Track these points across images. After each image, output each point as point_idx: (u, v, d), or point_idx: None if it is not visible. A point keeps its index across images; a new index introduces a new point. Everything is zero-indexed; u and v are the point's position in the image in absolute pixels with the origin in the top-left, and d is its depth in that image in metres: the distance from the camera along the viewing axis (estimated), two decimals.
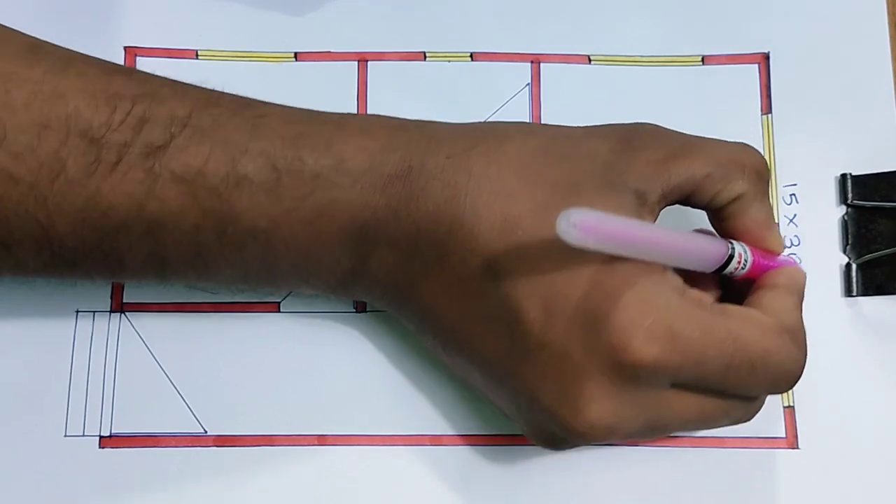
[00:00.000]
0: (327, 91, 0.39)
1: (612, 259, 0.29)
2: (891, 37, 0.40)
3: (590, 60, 0.39)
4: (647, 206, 0.30)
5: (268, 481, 0.35)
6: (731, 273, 0.31)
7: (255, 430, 0.35)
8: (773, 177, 0.39)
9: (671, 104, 0.39)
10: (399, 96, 0.39)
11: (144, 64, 0.38)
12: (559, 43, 0.39)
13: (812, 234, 0.38)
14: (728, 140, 0.32)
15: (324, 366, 0.36)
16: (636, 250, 0.28)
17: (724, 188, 0.31)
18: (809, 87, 0.39)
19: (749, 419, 0.32)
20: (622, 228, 0.27)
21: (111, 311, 0.36)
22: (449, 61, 0.39)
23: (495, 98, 0.39)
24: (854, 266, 0.38)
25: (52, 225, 0.29)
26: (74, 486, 0.35)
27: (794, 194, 0.38)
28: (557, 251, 0.27)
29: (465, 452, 0.36)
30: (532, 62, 0.39)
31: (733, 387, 0.30)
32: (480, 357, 0.31)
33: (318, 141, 0.30)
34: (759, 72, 0.39)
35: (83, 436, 0.35)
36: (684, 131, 0.37)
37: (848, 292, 0.38)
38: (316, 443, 0.35)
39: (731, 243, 0.31)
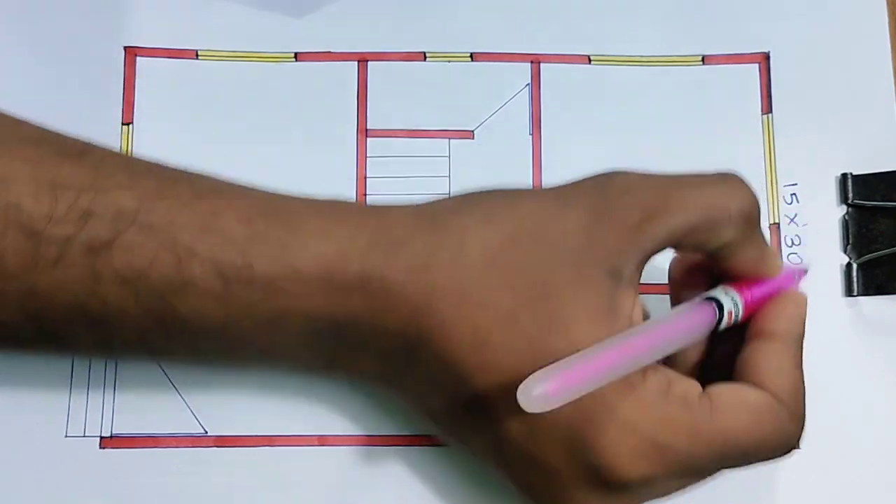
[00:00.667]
0: (327, 91, 0.38)
1: None
2: (891, 37, 0.40)
3: (590, 60, 0.39)
4: (625, 281, 0.28)
5: (268, 481, 0.35)
6: (727, 327, 0.30)
7: (255, 431, 0.35)
8: (773, 177, 0.39)
9: (671, 104, 0.39)
10: (399, 96, 0.39)
11: (144, 64, 0.38)
12: (559, 43, 0.39)
13: (812, 233, 0.38)
14: (712, 175, 0.30)
15: None
16: (614, 377, 0.27)
17: (709, 238, 0.29)
18: (809, 87, 0.39)
19: None
20: (590, 370, 0.26)
21: None
22: (449, 61, 0.39)
23: (495, 98, 0.39)
24: (854, 266, 0.38)
25: None
26: (75, 487, 0.35)
27: (794, 194, 0.38)
28: (531, 368, 0.26)
29: (464, 453, 0.36)
30: (532, 62, 0.39)
31: (726, 467, 0.29)
32: (471, 450, 0.31)
33: (272, 244, 0.28)
34: (759, 72, 0.39)
35: (84, 436, 0.35)
36: (684, 131, 0.36)
37: (848, 292, 0.38)
38: (316, 443, 0.35)
39: (716, 302, 0.30)
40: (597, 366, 0.26)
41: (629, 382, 0.28)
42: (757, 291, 0.31)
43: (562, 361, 0.26)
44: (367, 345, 0.30)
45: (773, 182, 0.38)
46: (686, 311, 0.30)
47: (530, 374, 0.25)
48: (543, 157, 0.38)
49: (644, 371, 0.28)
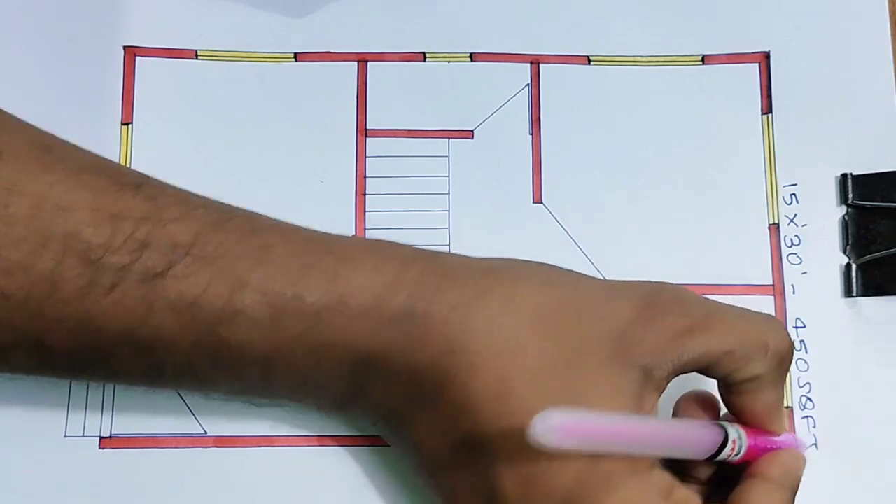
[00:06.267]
0: (327, 92, 0.38)
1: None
2: (891, 36, 0.40)
3: (589, 61, 0.39)
4: (654, 383, 0.29)
5: (268, 481, 0.35)
6: (725, 459, 0.30)
7: (255, 431, 0.35)
8: (773, 177, 0.39)
9: (671, 104, 0.39)
10: (399, 96, 0.39)
11: (144, 64, 0.38)
12: (559, 43, 0.39)
13: (812, 234, 0.38)
14: (757, 312, 0.31)
15: None
16: (619, 449, 0.27)
17: (741, 367, 0.30)
18: (809, 87, 0.39)
19: None
20: (603, 429, 0.26)
21: None
22: (449, 61, 0.39)
23: (495, 98, 0.39)
24: (854, 266, 0.38)
25: (43, 337, 0.29)
26: (74, 487, 0.35)
27: (794, 194, 0.38)
28: None
29: None
30: (532, 62, 0.39)
31: None
32: None
33: (322, 275, 0.29)
34: (759, 72, 0.39)
35: (83, 436, 0.35)
36: (684, 131, 0.36)
37: (848, 292, 0.37)
38: (316, 443, 0.35)
39: (725, 429, 0.30)
40: (610, 426, 0.27)
41: (635, 468, 0.28)
42: (761, 441, 0.31)
43: (580, 410, 0.26)
44: (394, 379, 0.30)
45: (772, 182, 0.38)
46: (695, 423, 0.31)
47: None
48: (543, 157, 0.38)
49: (651, 465, 0.29)
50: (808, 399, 0.37)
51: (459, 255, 0.32)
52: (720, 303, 0.31)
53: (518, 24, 0.40)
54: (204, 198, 0.31)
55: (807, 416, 0.36)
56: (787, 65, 0.39)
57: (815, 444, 0.36)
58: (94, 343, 0.29)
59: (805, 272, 0.38)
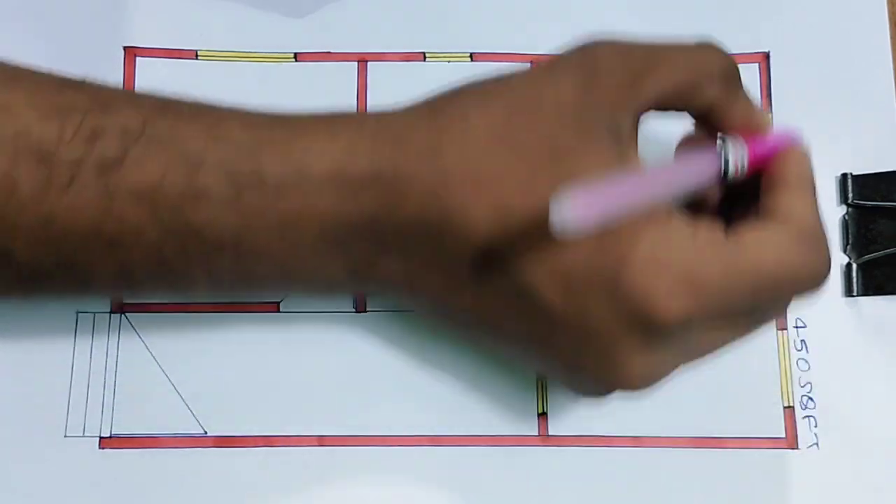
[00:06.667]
0: (327, 91, 0.38)
1: None
2: (891, 37, 0.40)
3: None
4: (625, 136, 0.29)
5: (268, 482, 0.35)
6: (734, 178, 0.30)
7: (255, 431, 0.35)
8: None
9: None
10: (399, 96, 0.39)
11: (144, 64, 0.38)
12: (559, 43, 0.39)
13: None
14: (690, 41, 0.31)
15: (324, 366, 0.36)
16: (638, 206, 0.27)
17: (695, 95, 0.30)
18: (809, 87, 0.39)
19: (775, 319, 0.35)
20: (618, 191, 0.26)
21: (111, 312, 0.36)
22: (449, 62, 0.39)
23: None
24: (854, 266, 0.38)
25: (9, 245, 0.28)
26: (74, 487, 0.35)
27: None
28: None
29: (464, 452, 0.36)
30: (532, 62, 0.39)
31: (763, 309, 0.30)
32: (506, 339, 0.31)
33: (278, 147, 0.29)
34: (760, 72, 0.39)
35: (83, 436, 0.35)
36: (684, 131, 0.36)
37: (848, 292, 0.38)
38: (316, 443, 0.35)
39: (722, 149, 0.30)
40: (625, 186, 0.26)
41: (656, 222, 0.28)
42: (758, 147, 0.31)
43: (586, 184, 0.25)
44: (388, 244, 0.30)
45: None
46: (694, 154, 0.31)
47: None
48: None
49: (668, 213, 0.29)
50: (809, 398, 0.37)
51: (399, 108, 0.31)
52: (653, 41, 0.31)
53: (518, 24, 0.40)
54: (147, 92, 0.31)
55: (807, 416, 0.36)
56: (787, 65, 0.39)
57: (816, 444, 0.36)
58: (59, 247, 0.28)
59: None
